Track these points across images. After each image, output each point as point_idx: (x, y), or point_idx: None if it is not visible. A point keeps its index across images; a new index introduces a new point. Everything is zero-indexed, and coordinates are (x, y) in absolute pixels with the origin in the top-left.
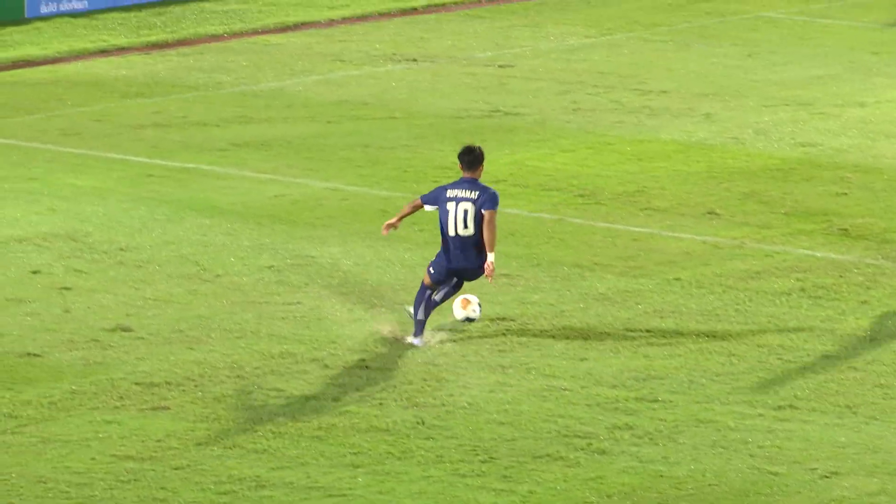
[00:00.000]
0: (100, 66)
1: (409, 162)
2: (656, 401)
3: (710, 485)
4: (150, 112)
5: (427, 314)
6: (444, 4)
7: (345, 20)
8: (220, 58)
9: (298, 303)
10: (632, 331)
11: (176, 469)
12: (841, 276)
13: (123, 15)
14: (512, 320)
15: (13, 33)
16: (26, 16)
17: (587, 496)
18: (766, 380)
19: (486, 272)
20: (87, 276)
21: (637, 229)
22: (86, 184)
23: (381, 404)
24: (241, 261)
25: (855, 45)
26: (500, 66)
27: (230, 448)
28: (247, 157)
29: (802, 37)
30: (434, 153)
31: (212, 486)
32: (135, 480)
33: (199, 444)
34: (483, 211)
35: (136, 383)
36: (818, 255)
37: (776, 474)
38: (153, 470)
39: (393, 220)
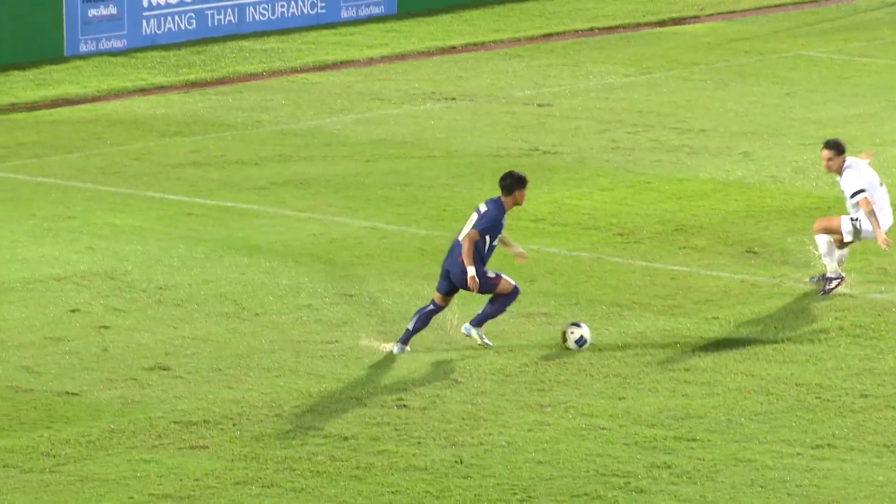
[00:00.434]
0: (139, 104)
1: (447, 201)
2: (694, 440)
3: None
4: (189, 151)
5: (416, 326)
6: (483, 43)
7: (384, 59)
8: (259, 96)
9: (337, 341)
10: (670, 369)
11: None
12: (879, 315)
13: (162, 54)
14: (550, 359)
15: (53, 72)
16: (65, 54)
17: None
18: (804, 419)
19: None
20: (125, 315)
21: (675, 268)
22: (124, 222)
23: (419, 443)
24: (280, 299)
25: (894, 84)
26: (538, 105)
27: (268, 487)
28: (286, 195)
29: (841, 76)
30: (473, 192)
31: None
32: None
33: (238, 484)
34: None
35: (175, 422)
36: (857, 293)
37: None
38: None
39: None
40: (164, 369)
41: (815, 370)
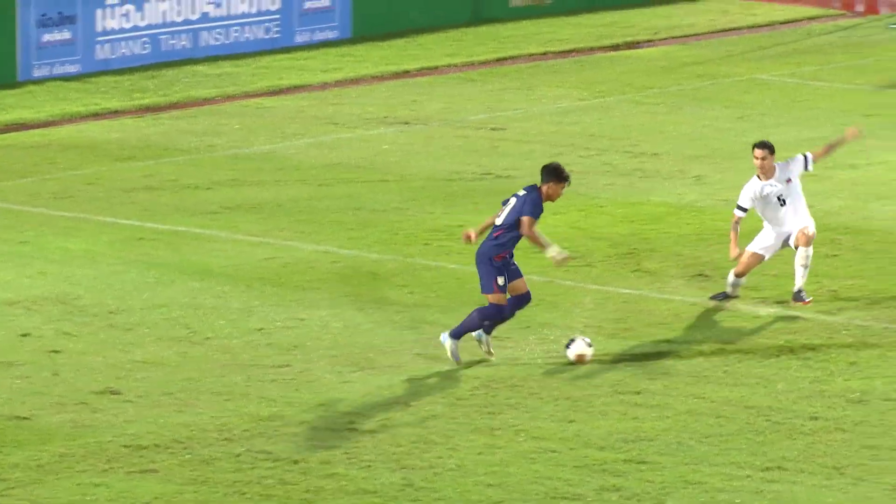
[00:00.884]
0: (92, 129)
1: (400, 225)
2: (644, 462)
3: None
4: (142, 175)
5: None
6: (436, 67)
7: (337, 83)
8: (212, 121)
9: (288, 365)
10: (621, 392)
11: None
12: (830, 338)
13: (116, 78)
14: (501, 382)
15: (6, 97)
16: (19, 79)
17: None
18: (754, 441)
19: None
20: (76, 339)
21: (627, 291)
22: (77, 247)
23: (369, 466)
24: (231, 323)
25: (847, 108)
26: (492, 129)
27: None
28: (238, 220)
29: (794, 99)
30: (425, 216)
31: None
32: None
33: None
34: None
35: (125, 446)
36: (808, 316)
37: None
38: None
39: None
40: (115, 393)
41: (766, 392)
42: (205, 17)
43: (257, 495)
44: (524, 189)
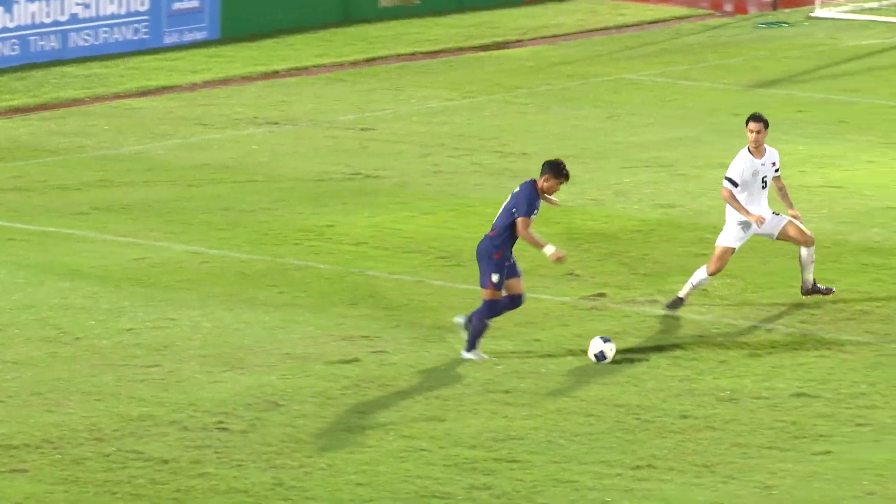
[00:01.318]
0: None
1: (269, 225)
2: (515, 461)
3: None
4: (11, 176)
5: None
6: (306, 68)
7: (206, 84)
8: (81, 122)
9: (157, 365)
10: (491, 391)
11: None
12: (700, 336)
13: None
14: (371, 381)
15: None
16: None
17: None
18: (624, 440)
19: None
20: None
21: None
22: None
23: (239, 466)
24: (101, 324)
25: (715, 107)
26: (361, 129)
27: None
28: (107, 220)
29: (663, 99)
30: (294, 216)
31: None
32: None
33: None
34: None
35: None
36: (677, 315)
37: None
38: None
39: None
40: None
41: (636, 391)
42: (74, 18)
43: (128, 495)
44: (519, 186)
